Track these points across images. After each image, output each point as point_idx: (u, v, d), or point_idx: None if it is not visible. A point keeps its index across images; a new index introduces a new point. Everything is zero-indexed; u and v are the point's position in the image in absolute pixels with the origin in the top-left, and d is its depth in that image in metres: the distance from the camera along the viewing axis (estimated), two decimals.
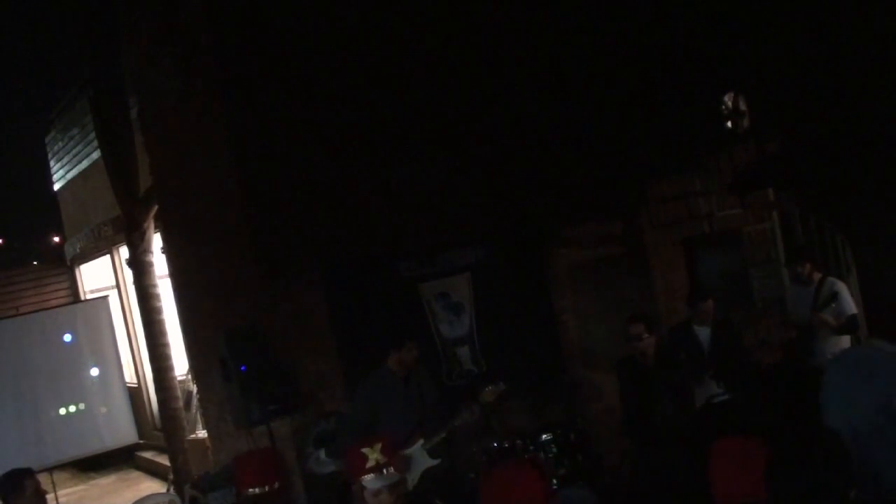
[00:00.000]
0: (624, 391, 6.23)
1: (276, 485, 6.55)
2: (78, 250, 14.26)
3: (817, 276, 6.86)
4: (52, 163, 14.82)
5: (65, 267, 15.36)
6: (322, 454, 6.55)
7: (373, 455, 4.56)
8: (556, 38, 7.94)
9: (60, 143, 14.11)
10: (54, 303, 14.33)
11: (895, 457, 3.82)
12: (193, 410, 10.23)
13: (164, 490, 9.20)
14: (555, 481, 6.31)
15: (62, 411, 10.79)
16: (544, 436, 6.59)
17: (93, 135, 10.78)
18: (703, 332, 6.54)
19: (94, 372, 11.10)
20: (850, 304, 6.71)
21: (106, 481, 12.19)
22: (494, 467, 4.46)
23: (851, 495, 2.66)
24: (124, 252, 10.61)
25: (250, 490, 6.49)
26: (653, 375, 5.96)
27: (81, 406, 10.93)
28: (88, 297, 14.50)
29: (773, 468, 2.81)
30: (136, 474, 12.19)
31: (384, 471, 4.51)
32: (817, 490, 2.66)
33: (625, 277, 8.21)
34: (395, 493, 4.31)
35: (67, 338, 10.99)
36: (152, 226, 9.64)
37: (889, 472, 3.73)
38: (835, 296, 6.56)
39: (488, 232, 7.71)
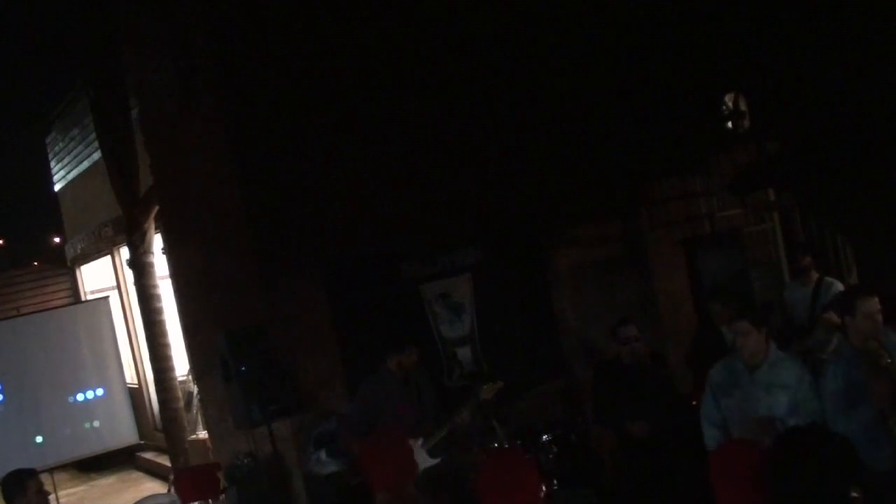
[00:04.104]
0: (606, 393, 6.19)
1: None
2: (79, 251, 14.26)
3: (815, 275, 6.90)
4: (52, 163, 14.84)
5: (65, 267, 15.38)
6: (323, 455, 6.54)
7: None
8: (558, 38, 7.95)
9: (61, 144, 14.12)
10: (55, 303, 14.36)
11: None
12: (194, 411, 10.24)
13: (164, 491, 9.18)
14: (555, 481, 6.31)
15: (63, 412, 10.79)
16: (544, 436, 6.57)
17: (93, 135, 10.78)
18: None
19: (95, 373, 11.10)
20: None
21: (106, 482, 12.19)
22: (489, 464, 4.44)
23: (853, 494, 2.66)
24: (125, 252, 10.61)
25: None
26: (643, 375, 5.97)
27: (82, 406, 10.93)
28: (89, 297, 14.50)
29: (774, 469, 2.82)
30: (136, 475, 12.18)
31: None
32: (818, 490, 2.66)
33: (625, 278, 8.21)
34: None
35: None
36: (153, 226, 9.64)
37: None
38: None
39: (489, 232, 7.71)
